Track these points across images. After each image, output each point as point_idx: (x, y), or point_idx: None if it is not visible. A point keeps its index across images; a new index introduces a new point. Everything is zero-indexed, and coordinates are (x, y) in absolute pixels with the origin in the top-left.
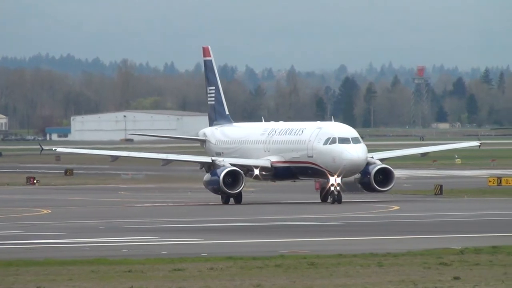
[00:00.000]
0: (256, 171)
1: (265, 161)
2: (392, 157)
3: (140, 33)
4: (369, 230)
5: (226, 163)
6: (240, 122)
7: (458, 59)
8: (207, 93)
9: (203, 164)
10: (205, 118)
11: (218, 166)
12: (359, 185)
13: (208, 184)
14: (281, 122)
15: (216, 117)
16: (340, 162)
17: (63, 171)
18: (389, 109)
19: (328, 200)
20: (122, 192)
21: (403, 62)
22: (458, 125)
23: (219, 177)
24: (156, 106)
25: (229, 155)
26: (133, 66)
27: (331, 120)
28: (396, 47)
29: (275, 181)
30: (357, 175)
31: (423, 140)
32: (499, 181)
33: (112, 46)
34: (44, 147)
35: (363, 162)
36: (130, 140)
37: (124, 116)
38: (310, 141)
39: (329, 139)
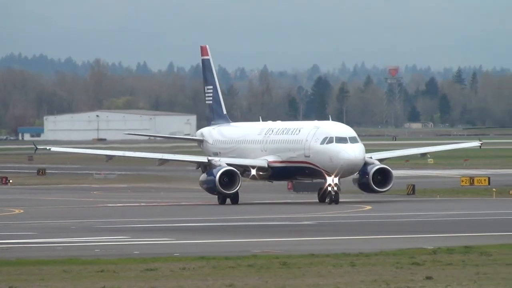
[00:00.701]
0: (253, 171)
1: (262, 161)
2: (391, 157)
3: (112, 33)
4: (342, 230)
5: (223, 163)
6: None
7: (431, 59)
8: (204, 93)
9: (199, 164)
10: (177, 118)
11: (215, 166)
12: (358, 186)
13: (204, 184)
14: (278, 122)
15: (214, 116)
16: (337, 162)
17: (36, 171)
18: (361, 109)
19: (326, 201)
20: (95, 192)
21: (375, 62)
22: (431, 125)
23: (215, 177)
24: (129, 106)
25: (226, 155)
26: (106, 66)
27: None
28: (368, 47)
29: (272, 182)
30: (356, 176)
31: (395, 140)
32: (471, 181)
33: (84, 45)
34: (38, 147)
35: (361, 162)
36: (102, 140)
37: (97, 115)
38: (307, 140)
39: (326, 139)
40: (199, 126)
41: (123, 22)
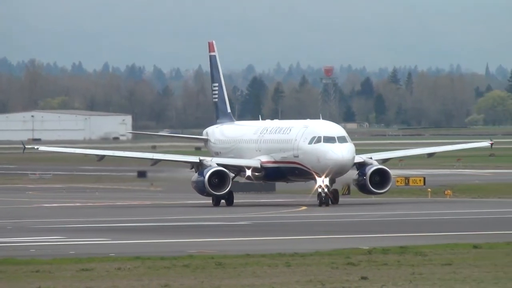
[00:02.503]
0: (248, 172)
1: (255, 161)
2: (394, 158)
3: (47, 33)
4: (277, 230)
5: (213, 163)
6: (147, 122)
7: (366, 59)
8: (212, 90)
9: (192, 164)
10: (112, 118)
11: (206, 166)
12: (356, 187)
13: (193, 184)
14: (275, 121)
15: (218, 115)
16: (324, 162)
17: None
18: (297, 109)
19: (322, 203)
20: (30, 192)
21: (310, 62)
22: (366, 125)
23: (204, 177)
24: (64, 106)
25: (225, 154)
26: (41, 66)
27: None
28: (303, 47)
29: (266, 182)
30: (355, 176)
31: None
32: (406, 181)
33: (19, 46)
34: (26, 146)
35: (349, 162)
36: (37, 140)
37: (32, 116)
38: (296, 140)
39: (314, 138)
40: (134, 126)
41: (58, 22)
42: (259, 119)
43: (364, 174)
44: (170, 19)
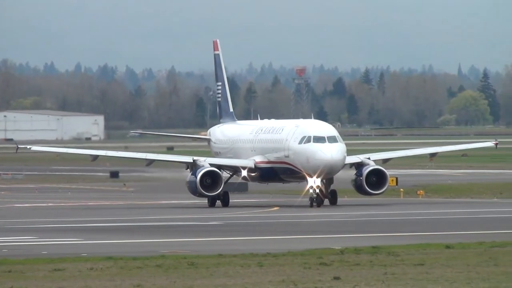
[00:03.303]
0: (244, 172)
1: (249, 162)
2: (395, 158)
3: (20, 33)
4: (249, 230)
5: (206, 164)
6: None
7: (338, 59)
8: (215, 89)
9: (187, 164)
10: (85, 118)
11: (198, 167)
12: (354, 187)
13: (187, 184)
14: (272, 120)
15: (221, 114)
16: (313, 162)
17: None
18: (269, 109)
19: (313, 204)
20: (2, 192)
21: (283, 62)
22: (338, 125)
23: (196, 178)
24: (36, 106)
25: (224, 154)
26: (13, 66)
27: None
28: (276, 47)
29: (261, 182)
30: (353, 176)
31: None
32: None
33: None
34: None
35: (339, 162)
36: (9, 140)
37: (4, 116)
38: (286, 140)
39: (304, 138)
40: (106, 127)
41: (30, 22)
42: (257, 119)
43: (361, 175)
44: (142, 19)
